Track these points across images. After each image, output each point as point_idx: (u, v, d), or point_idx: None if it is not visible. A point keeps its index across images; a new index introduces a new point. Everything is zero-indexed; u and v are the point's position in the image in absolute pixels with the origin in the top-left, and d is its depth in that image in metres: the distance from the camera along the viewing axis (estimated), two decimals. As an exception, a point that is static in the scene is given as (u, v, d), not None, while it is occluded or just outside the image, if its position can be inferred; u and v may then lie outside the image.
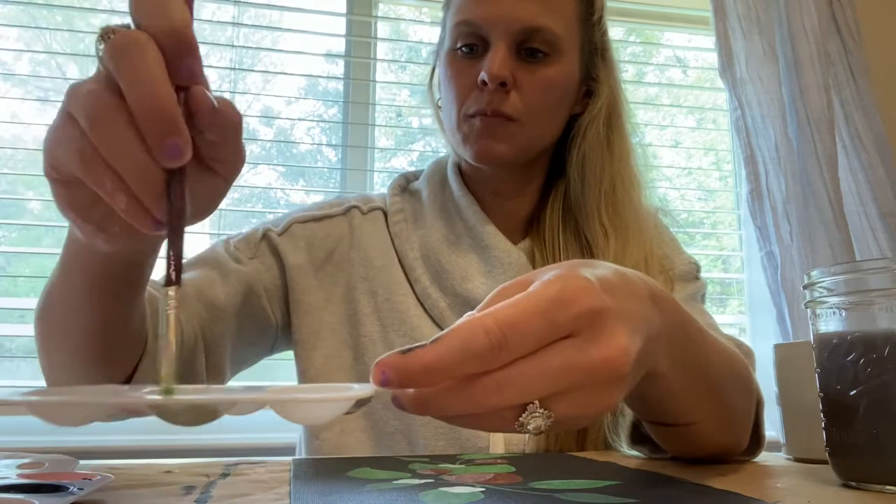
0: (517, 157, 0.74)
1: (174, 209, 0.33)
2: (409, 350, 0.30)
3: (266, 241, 0.76)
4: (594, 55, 0.78)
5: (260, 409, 0.30)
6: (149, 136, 0.32)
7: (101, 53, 0.34)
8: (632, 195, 0.76)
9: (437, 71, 0.82)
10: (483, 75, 0.69)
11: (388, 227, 0.80)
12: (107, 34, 0.33)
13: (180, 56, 0.33)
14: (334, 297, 0.76)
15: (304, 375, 0.75)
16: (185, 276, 0.69)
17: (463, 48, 0.73)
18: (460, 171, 0.81)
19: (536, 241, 0.77)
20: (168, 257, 0.33)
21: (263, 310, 0.74)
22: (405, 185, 0.85)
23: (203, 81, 0.35)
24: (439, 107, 0.82)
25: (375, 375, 0.30)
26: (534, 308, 0.31)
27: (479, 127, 0.71)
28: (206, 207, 0.41)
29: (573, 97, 0.77)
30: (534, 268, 0.74)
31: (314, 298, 0.75)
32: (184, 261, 0.35)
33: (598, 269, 0.36)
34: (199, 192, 0.38)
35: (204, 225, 1.58)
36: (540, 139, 0.75)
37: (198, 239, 1.58)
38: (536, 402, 0.32)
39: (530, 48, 0.71)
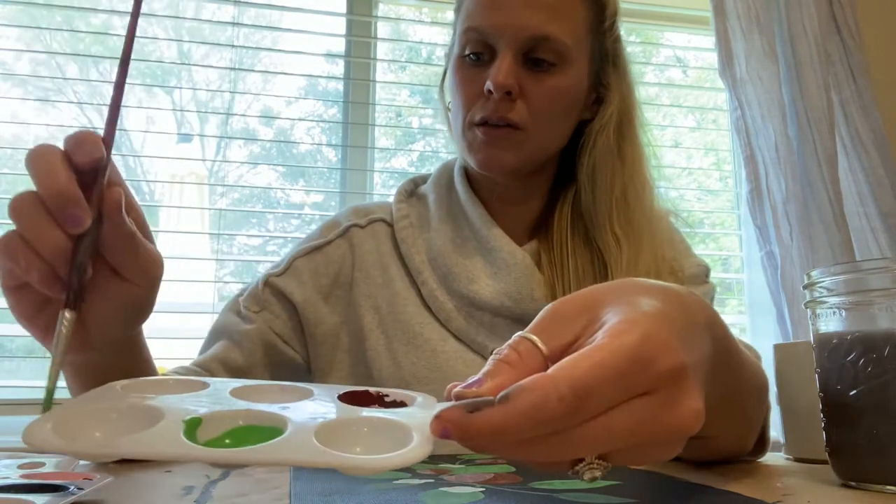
0: (523, 167, 0.74)
1: (77, 259, 0.40)
2: (475, 408, 0.29)
3: (269, 288, 0.77)
4: (605, 62, 0.77)
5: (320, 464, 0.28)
6: (54, 211, 0.39)
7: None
8: (643, 201, 0.76)
9: (447, 73, 0.82)
10: (489, 84, 0.69)
11: (392, 234, 0.80)
12: None
13: (79, 145, 0.41)
14: (344, 319, 0.78)
15: None
16: (209, 353, 0.74)
17: (470, 55, 0.72)
18: (467, 175, 0.81)
19: (543, 244, 0.77)
20: (68, 289, 0.40)
21: (286, 355, 0.77)
22: (413, 189, 0.85)
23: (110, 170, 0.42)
24: (449, 109, 0.82)
25: (435, 428, 0.29)
26: (611, 369, 0.29)
27: (483, 137, 0.71)
28: (124, 316, 0.48)
29: (581, 105, 0.76)
30: (540, 270, 0.74)
31: (327, 326, 0.77)
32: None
33: (663, 305, 0.33)
34: (112, 299, 0.45)
35: (204, 225, 1.58)
36: (546, 148, 0.75)
37: (198, 239, 1.58)
38: None
39: (537, 57, 0.70)
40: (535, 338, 0.33)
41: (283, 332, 0.76)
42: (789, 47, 1.56)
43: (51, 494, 0.34)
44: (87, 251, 0.41)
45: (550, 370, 0.29)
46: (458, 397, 0.31)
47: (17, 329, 1.54)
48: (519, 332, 0.34)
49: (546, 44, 0.70)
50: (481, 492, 0.40)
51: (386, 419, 0.32)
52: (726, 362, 0.40)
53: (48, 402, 0.36)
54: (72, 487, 0.36)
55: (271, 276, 0.78)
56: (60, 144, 0.42)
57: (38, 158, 0.41)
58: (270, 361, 0.76)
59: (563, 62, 0.71)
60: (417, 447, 0.29)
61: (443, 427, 0.29)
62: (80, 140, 0.41)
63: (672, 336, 0.31)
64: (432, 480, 0.44)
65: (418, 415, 0.32)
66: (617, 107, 0.76)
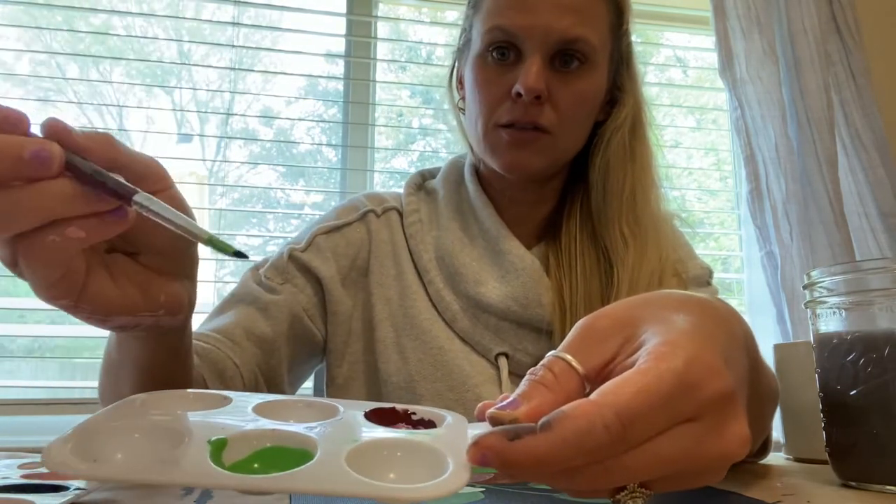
0: (547, 169, 0.74)
1: (88, 168, 0.35)
2: (516, 435, 0.27)
3: (293, 262, 0.75)
4: (620, 64, 0.77)
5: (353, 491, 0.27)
6: (18, 169, 0.33)
7: None
8: (650, 201, 0.76)
9: (456, 71, 0.81)
10: (518, 87, 0.67)
11: (403, 227, 0.79)
12: None
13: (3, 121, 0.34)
14: (358, 304, 0.77)
15: (332, 383, 0.76)
16: (224, 318, 0.71)
17: (494, 54, 0.70)
18: (478, 174, 0.80)
19: (552, 246, 0.77)
20: (112, 193, 0.35)
21: (309, 330, 0.75)
22: (421, 182, 0.84)
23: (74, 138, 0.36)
24: (460, 108, 0.81)
25: (474, 455, 0.27)
26: (656, 395, 0.28)
27: (509, 139, 0.70)
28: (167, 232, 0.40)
29: (599, 106, 0.76)
30: (547, 273, 0.74)
31: (344, 308, 0.76)
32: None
33: (702, 321, 0.32)
34: (131, 284, 0.41)
35: (204, 225, 1.57)
36: (570, 150, 0.75)
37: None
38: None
39: (565, 58, 0.69)
40: (569, 357, 0.31)
41: (308, 308, 0.74)
42: (789, 47, 1.56)
43: (51, 494, 0.34)
44: (92, 163, 0.35)
45: (593, 396, 0.28)
46: (493, 419, 0.29)
47: (17, 329, 1.53)
48: (552, 352, 0.32)
49: (574, 46, 0.69)
50: (481, 492, 0.40)
51: (419, 443, 0.31)
52: (755, 372, 0.39)
53: (221, 242, 0.35)
54: (72, 487, 0.36)
55: (294, 250, 0.76)
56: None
57: None
58: (294, 334, 0.73)
59: (590, 64, 0.70)
60: (455, 475, 0.28)
61: (482, 454, 0.27)
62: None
63: (717, 358, 0.30)
64: (432, 480, 0.43)
65: (450, 437, 0.31)
66: (631, 110, 0.76)
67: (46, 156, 0.33)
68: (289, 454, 0.29)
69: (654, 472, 0.29)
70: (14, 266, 0.37)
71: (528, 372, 0.32)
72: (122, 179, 0.36)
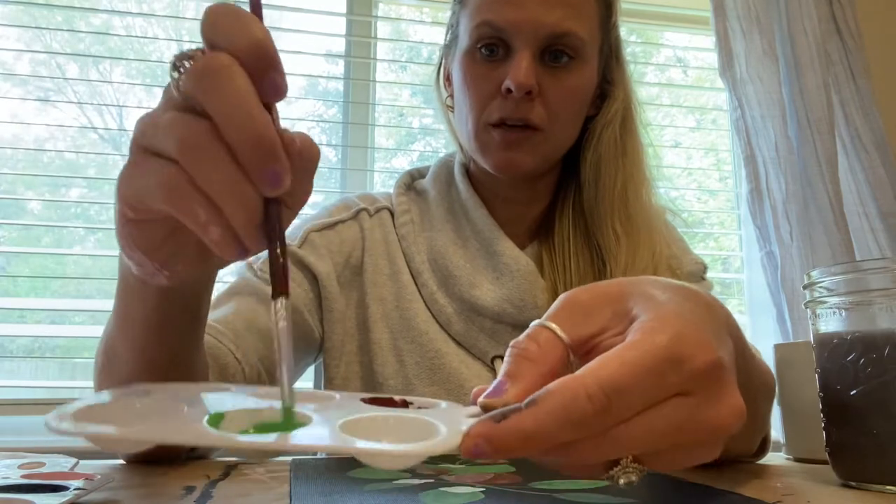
0: (540, 167, 0.73)
1: (273, 233, 0.32)
2: (503, 416, 0.28)
3: (289, 257, 0.73)
4: (609, 58, 0.76)
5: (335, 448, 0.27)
6: (248, 164, 0.31)
7: (178, 80, 0.32)
8: (641, 196, 0.75)
9: (443, 68, 0.80)
10: (508, 83, 0.67)
11: (395, 227, 0.78)
12: (181, 60, 0.32)
13: (264, 71, 0.31)
14: (352, 303, 0.76)
15: (331, 383, 0.75)
16: (223, 309, 0.68)
17: (483, 50, 0.70)
18: (468, 173, 0.79)
19: (545, 245, 0.76)
20: (272, 272, 0.32)
21: (308, 325, 0.74)
22: (410, 182, 0.83)
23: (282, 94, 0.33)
24: (448, 105, 0.80)
25: (467, 447, 0.27)
26: (641, 367, 0.28)
27: (500, 139, 0.69)
28: None
29: (590, 101, 0.75)
30: (542, 274, 0.73)
31: (339, 306, 0.75)
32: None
33: (688, 302, 0.33)
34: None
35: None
36: (561, 147, 0.74)
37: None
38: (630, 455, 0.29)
39: (555, 53, 0.68)
40: (554, 326, 0.32)
41: (307, 303, 0.73)
42: (789, 47, 1.56)
43: (51, 494, 0.35)
44: (281, 217, 0.32)
45: (578, 372, 0.28)
46: (485, 407, 0.30)
47: (17, 329, 1.52)
48: (536, 321, 0.32)
49: (564, 40, 0.68)
50: (481, 492, 0.40)
51: (412, 417, 0.31)
52: (742, 359, 0.39)
53: (290, 417, 0.30)
54: (72, 487, 0.36)
55: (290, 245, 0.74)
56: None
57: (226, 81, 0.30)
58: (294, 329, 0.71)
59: (580, 58, 0.70)
60: (448, 437, 0.28)
61: (474, 444, 0.27)
62: (263, 57, 0.31)
63: (706, 333, 0.30)
64: (432, 480, 0.44)
65: (443, 414, 0.32)
66: (621, 103, 0.75)
67: (279, 182, 0.31)
68: (284, 427, 0.30)
69: (645, 445, 0.29)
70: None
71: (511, 344, 0.32)
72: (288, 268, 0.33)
